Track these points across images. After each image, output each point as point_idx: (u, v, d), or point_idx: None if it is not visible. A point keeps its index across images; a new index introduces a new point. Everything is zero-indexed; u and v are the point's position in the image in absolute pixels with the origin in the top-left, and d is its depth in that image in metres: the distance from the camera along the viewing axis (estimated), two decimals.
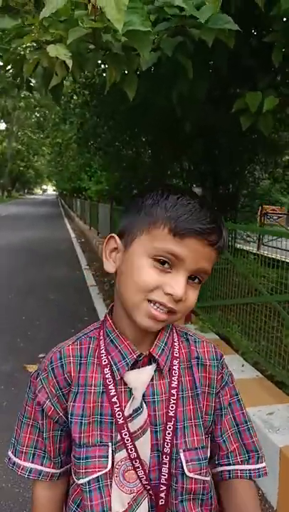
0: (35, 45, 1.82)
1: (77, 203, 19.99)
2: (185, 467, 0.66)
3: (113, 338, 0.69)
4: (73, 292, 5.60)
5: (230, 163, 5.40)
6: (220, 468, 0.73)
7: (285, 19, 2.35)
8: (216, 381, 0.72)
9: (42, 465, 0.70)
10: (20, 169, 40.55)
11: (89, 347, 0.70)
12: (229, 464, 0.72)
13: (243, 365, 2.74)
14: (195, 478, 0.67)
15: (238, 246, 4.85)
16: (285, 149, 6.38)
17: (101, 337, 0.70)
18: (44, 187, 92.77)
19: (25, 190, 72.74)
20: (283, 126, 5.13)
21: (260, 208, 8.55)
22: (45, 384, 0.69)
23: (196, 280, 0.64)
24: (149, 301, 0.62)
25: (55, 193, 68.61)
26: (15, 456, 0.72)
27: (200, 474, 0.67)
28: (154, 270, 0.61)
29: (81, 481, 0.66)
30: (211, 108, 3.71)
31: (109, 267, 0.68)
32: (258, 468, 0.72)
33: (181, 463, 0.66)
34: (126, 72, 1.97)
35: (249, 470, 0.72)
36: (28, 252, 8.93)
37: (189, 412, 0.69)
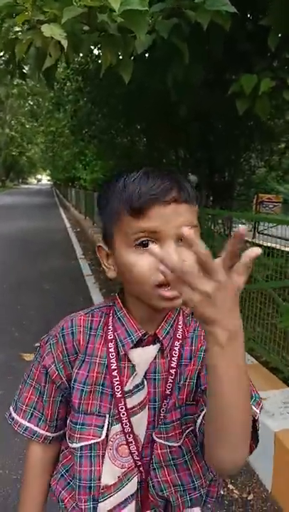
0: (27, 26, 1.77)
1: (72, 192, 19.86)
2: (154, 432, 0.67)
3: (120, 317, 0.70)
4: (69, 282, 5.58)
5: (225, 150, 5.36)
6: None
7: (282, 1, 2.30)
8: (205, 345, 0.70)
9: (37, 426, 0.74)
10: (14, 155, 40.04)
11: (99, 320, 0.73)
12: None
13: None
14: (160, 443, 0.67)
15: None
16: (281, 137, 6.35)
17: (110, 314, 0.72)
18: (39, 177, 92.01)
19: (20, 180, 72.10)
20: (280, 113, 5.09)
21: (255, 196, 8.53)
22: (53, 349, 0.72)
23: None
24: (158, 285, 0.61)
25: (49, 182, 68.11)
26: (15, 411, 0.75)
27: (161, 438, 0.67)
28: (141, 257, 0.61)
29: (74, 446, 0.68)
30: (206, 92, 3.66)
31: (111, 273, 0.68)
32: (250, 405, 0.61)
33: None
34: (121, 55, 1.93)
35: None
36: (23, 242, 8.87)
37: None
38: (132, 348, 0.68)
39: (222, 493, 1.88)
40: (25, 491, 0.77)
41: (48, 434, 0.74)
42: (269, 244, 3.39)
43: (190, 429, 0.69)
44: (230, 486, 1.91)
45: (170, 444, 0.67)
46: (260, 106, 2.61)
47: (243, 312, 2.94)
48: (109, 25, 1.65)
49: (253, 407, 0.63)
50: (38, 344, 0.78)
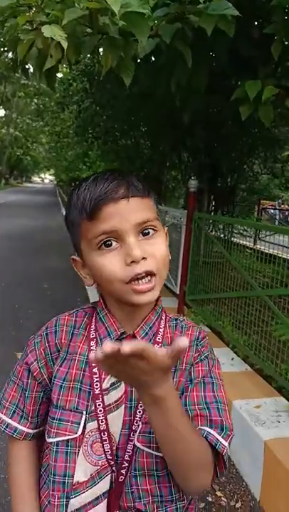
0: (29, 27, 1.77)
1: None
2: (136, 437, 0.67)
3: (102, 317, 0.73)
4: (67, 281, 5.57)
5: (229, 156, 5.37)
6: None
7: (286, 10, 2.31)
8: (192, 358, 0.72)
9: (19, 423, 0.75)
10: (18, 155, 40.16)
11: (83, 320, 0.75)
12: None
13: (232, 359, 2.74)
14: (146, 452, 0.67)
15: (235, 240, 4.84)
16: (285, 144, 6.35)
17: (94, 314, 0.75)
18: (42, 175, 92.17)
19: (24, 179, 72.24)
20: (285, 121, 5.09)
21: (258, 203, 8.53)
22: (37, 346, 0.75)
23: (150, 233, 0.65)
24: (129, 281, 0.63)
25: (53, 182, 68.24)
26: None
27: (149, 448, 0.67)
28: (107, 257, 0.64)
29: (50, 440, 0.69)
30: (210, 98, 3.67)
31: (88, 281, 0.71)
32: (218, 440, 0.64)
33: (136, 433, 0.67)
34: (123, 57, 1.93)
35: (208, 432, 0.64)
36: (24, 240, 8.87)
37: None
38: None
39: (210, 500, 1.86)
40: (13, 489, 0.77)
41: (29, 430, 0.76)
42: (270, 251, 3.38)
43: None
44: (219, 494, 1.90)
45: (156, 453, 0.67)
46: (264, 112, 2.61)
47: (239, 319, 2.93)
48: (110, 28, 1.65)
49: (223, 441, 0.65)
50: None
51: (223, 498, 1.87)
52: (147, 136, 6.98)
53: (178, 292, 3.91)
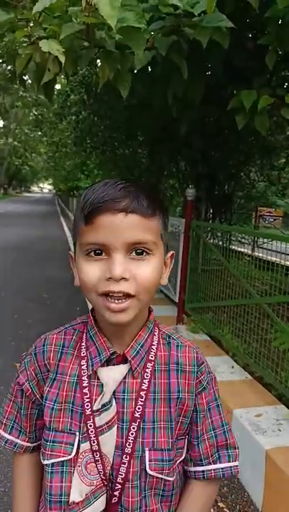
0: (28, 40, 1.80)
1: (74, 201, 19.96)
2: (147, 465, 0.67)
3: (92, 335, 0.71)
4: (66, 291, 5.57)
5: (226, 164, 5.41)
6: (192, 469, 0.74)
7: (279, 21, 2.35)
8: (194, 387, 0.72)
9: (18, 438, 0.77)
10: (16, 165, 40.39)
11: (72, 338, 0.74)
12: (202, 465, 0.73)
13: (232, 367, 2.74)
14: (156, 477, 0.68)
15: (233, 247, 4.85)
16: (281, 152, 6.40)
17: (84, 331, 0.74)
18: (41, 185, 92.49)
19: (22, 188, 72.47)
20: (280, 129, 5.14)
21: (255, 210, 8.57)
22: (27, 366, 0.75)
23: (143, 253, 0.62)
24: (102, 295, 0.61)
25: (52, 191, 68.43)
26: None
27: (162, 474, 0.68)
28: (91, 264, 0.62)
29: (45, 462, 0.69)
30: (206, 109, 3.70)
31: (76, 281, 0.68)
32: (230, 467, 0.74)
33: (145, 461, 0.68)
34: (120, 69, 1.96)
35: (222, 469, 0.73)
36: (23, 250, 8.88)
37: (160, 413, 0.70)
38: (100, 366, 0.69)
39: (212, 511, 1.85)
40: (14, 505, 0.78)
41: (29, 444, 0.77)
42: (268, 258, 3.39)
43: (179, 460, 0.73)
44: (221, 504, 1.89)
45: (167, 478, 0.69)
46: (260, 121, 2.64)
47: (239, 327, 2.93)
48: (107, 42, 1.68)
49: (233, 464, 0.74)
50: (24, 354, 0.81)
51: (225, 509, 1.86)
52: (145, 145, 7.03)
53: (177, 300, 3.91)
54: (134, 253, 0.62)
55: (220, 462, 0.73)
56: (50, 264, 7.52)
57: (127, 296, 0.61)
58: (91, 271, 0.62)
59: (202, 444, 0.73)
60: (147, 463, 0.67)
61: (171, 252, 0.71)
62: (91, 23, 1.54)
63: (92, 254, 0.62)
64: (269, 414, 2.14)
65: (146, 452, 0.68)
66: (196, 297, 3.68)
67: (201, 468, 0.73)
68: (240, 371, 2.67)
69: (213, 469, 0.73)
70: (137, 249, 0.62)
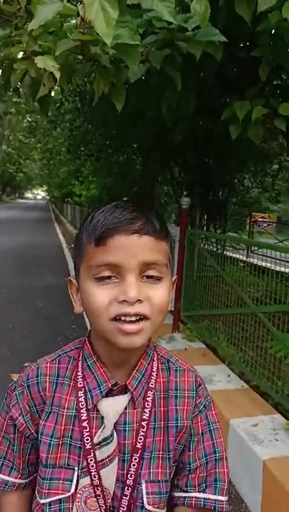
0: (23, 56, 1.82)
1: (68, 208, 19.95)
2: (145, 499, 0.66)
3: (90, 364, 0.68)
4: (61, 300, 5.54)
5: (219, 171, 5.45)
6: (177, 494, 0.71)
7: (271, 33, 2.39)
8: (191, 412, 0.70)
9: (9, 475, 0.72)
10: (11, 172, 40.34)
11: (67, 367, 0.70)
12: (186, 491, 0.70)
13: (229, 375, 2.74)
14: (152, 511, 0.66)
15: (228, 254, 4.87)
16: (274, 158, 6.47)
17: (80, 358, 0.70)
18: (35, 192, 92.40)
19: (17, 195, 72.34)
20: (273, 136, 5.20)
21: (249, 215, 8.63)
22: (19, 399, 0.70)
23: (153, 277, 0.61)
24: (115, 319, 0.59)
25: (46, 197, 68.36)
26: None
27: (158, 507, 0.67)
28: (101, 289, 0.60)
29: (42, 501, 0.66)
30: (200, 118, 3.74)
31: (77, 308, 0.67)
32: (215, 500, 0.68)
33: (142, 494, 0.66)
34: (114, 83, 1.98)
35: (204, 499, 0.68)
36: (17, 257, 8.83)
37: (158, 443, 0.68)
38: (101, 398, 0.66)
39: None
40: None
41: (21, 481, 0.73)
42: (263, 264, 3.41)
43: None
44: None
45: (160, 511, 0.67)
46: (253, 131, 2.67)
47: (235, 335, 2.94)
48: (102, 57, 1.70)
49: (219, 498, 0.69)
50: (27, 364, 0.75)
51: None
52: (139, 152, 7.07)
53: (172, 309, 3.92)
54: (145, 278, 0.60)
55: (204, 492, 0.69)
56: (45, 271, 7.49)
57: (142, 318, 0.59)
58: (101, 294, 0.59)
59: (193, 473, 0.69)
60: (144, 497, 0.65)
61: (175, 277, 0.70)
62: (86, 40, 1.56)
63: (105, 274, 0.59)
64: (266, 423, 2.14)
65: (143, 485, 0.66)
66: (191, 305, 3.69)
67: (183, 494, 0.70)
68: (237, 380, 2.68)
69: (195, 497, 0.68)
70: (148, 273, 0.61)
